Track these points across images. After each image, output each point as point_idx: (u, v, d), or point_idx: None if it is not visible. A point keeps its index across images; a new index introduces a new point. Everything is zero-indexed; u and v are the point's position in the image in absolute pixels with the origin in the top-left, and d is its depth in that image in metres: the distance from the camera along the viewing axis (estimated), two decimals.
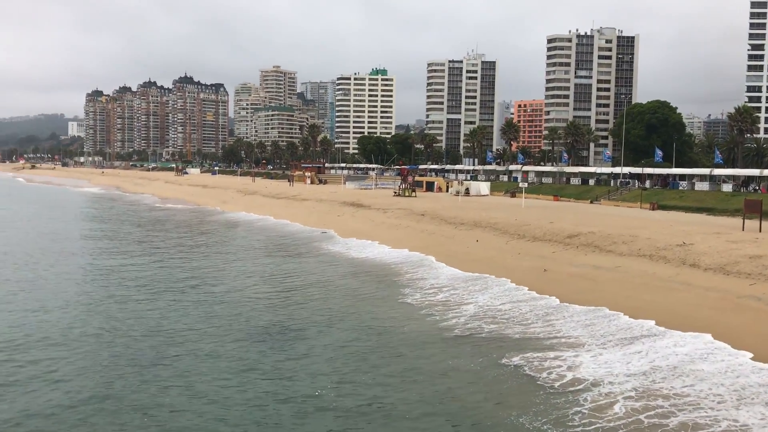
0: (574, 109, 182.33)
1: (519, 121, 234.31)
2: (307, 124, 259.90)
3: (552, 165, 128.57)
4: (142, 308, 28.83)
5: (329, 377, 19.84)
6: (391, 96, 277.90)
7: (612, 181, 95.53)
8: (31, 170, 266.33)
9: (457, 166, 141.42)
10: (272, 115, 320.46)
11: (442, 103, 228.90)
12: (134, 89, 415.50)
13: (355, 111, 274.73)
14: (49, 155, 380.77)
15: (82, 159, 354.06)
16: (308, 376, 19.92)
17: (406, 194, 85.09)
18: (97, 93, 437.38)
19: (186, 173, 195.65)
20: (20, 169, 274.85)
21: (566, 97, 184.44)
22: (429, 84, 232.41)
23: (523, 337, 23.65)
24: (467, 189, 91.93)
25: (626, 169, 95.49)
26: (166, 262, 42.09)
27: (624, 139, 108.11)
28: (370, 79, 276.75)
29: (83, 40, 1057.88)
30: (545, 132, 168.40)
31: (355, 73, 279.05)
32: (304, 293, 32.37)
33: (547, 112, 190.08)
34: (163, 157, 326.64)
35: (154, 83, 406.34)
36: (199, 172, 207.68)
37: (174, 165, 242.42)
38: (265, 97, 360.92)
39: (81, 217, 75.75)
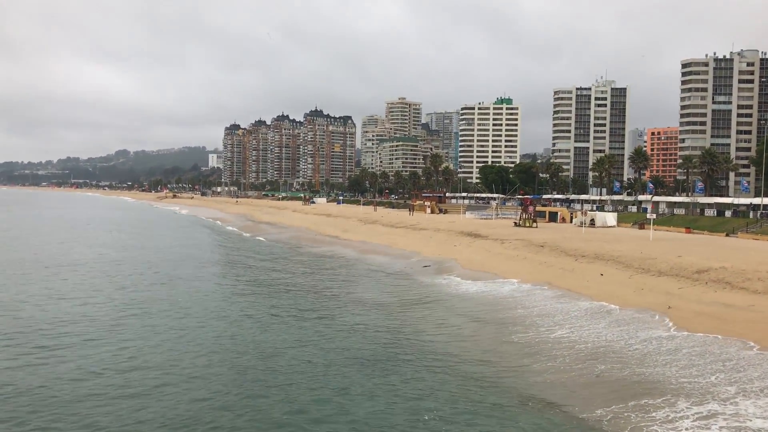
0: (712, 136, 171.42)
1: (652, 150, 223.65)
2: (430, 153, 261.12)
3: (686, 195, 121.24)
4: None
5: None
6: (515, 125, 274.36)
7: (751, 213, 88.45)
8: (172, 199, 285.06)
9: (583, 196, 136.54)
10: (396, 146, 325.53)
11: (569, 131, 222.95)
12: (268, 122, 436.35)
13: (478, 140, 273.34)
14: (190, 185, 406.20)
15: (219, 189, 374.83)
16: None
17: (527, 225, 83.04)
18: (235, 126, 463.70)
19: (313, 202, 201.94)
20: (162, 198, 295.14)
21: (703, 123, 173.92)
22: (555, 112, 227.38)
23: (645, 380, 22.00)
24: (592, 220, 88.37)
25: None
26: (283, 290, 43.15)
27: (766, 167, 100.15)
28: (494, 109, 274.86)
29: (224, 77, 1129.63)
30: (679, 161, 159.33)
31: (480, 103, 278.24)
32: (411, 322, 32.00)
33: (682, 140, 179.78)
34: (293, 186, 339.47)
35: (287, 116, 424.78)
36: (325, 202, 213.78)
37: (302, 194, 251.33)
38: (391, 128, 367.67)
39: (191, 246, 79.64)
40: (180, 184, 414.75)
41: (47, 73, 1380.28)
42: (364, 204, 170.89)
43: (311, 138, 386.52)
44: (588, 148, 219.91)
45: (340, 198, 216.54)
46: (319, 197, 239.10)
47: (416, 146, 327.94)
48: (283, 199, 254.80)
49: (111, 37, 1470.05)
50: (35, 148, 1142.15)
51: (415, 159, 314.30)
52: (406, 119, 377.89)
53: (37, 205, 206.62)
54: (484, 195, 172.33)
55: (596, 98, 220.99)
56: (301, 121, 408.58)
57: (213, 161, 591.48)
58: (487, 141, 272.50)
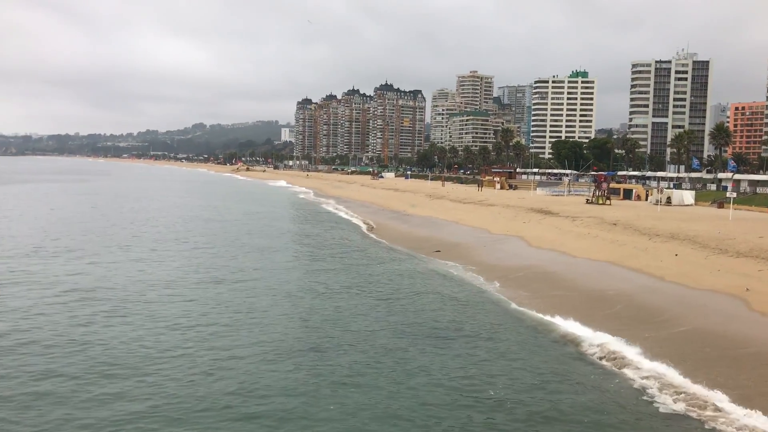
0: None
1: (735, 126, 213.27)
2: (501, 128, 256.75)
3: None
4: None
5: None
6: (591, 99, 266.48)
7: None
8: (246, 172, 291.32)
9: (659, 173, 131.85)
10: (467, 120, 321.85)
11: (647, 105, 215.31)
12: (339, 97, 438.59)
13: (552, 115, 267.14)
14: (263, 158, 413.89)
15: (290, 162, 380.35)
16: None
17: (599, 202, 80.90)
18: (307, 101, 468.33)
19: (381, 177, 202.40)
20: (236, 171, 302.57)
21: None
22: (633, 86, 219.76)
23: None
24: (669, 197, 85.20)
25: None
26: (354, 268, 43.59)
27: None
28: (569, 82, 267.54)
29: (298, 51, 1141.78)
30: (765, 137, 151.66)
31: (554, 76, 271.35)
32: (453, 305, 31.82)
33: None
34: (362, 161, 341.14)
35: (357, 91, 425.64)
36: (393, 176, 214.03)
37: (371, 169, 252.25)
38: (461, 102, 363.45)
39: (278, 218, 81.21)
40: (253, 158, 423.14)
41: (129, 48, 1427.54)
42: (432, 179, 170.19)
43: (381, 112, 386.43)
44: (666, 123, 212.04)
45: (408, 173, 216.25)
46: (388, 172, 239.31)
47: (487, 120, 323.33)
48: (352, 173, 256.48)
49: (189, 12, 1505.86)
50: (117, 121, 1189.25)
51: (485, 133, 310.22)
52: (477, 93, 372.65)
53: (134, 176, 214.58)
54: (556, 171, 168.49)
55: (677, 72, 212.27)
56: (371, 95, 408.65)
57: (285, 135, 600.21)
58: (561, 115, 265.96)
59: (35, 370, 20.13)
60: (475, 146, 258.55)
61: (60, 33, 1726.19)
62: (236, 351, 22.73)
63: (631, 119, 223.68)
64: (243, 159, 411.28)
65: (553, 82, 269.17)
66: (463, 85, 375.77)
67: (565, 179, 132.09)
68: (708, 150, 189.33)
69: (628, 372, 21.87)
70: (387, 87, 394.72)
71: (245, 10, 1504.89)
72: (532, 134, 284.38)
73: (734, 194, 74.75)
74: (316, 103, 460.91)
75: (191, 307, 29.41)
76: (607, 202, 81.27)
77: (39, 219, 68.70)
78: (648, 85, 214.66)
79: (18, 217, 69.41)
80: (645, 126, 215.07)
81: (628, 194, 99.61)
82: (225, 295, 31.99)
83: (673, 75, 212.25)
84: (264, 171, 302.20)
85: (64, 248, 46.21)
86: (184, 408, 17.64)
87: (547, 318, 28.69)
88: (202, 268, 39.53)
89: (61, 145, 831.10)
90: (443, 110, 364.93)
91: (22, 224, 61.68)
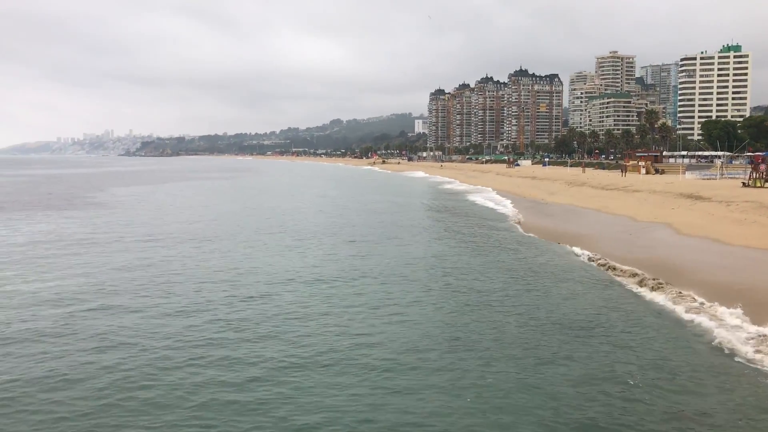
0: None
1: None
2: (645, 110, 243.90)
3: None
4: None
5: None
6: (745, 74, 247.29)
7: None
8: (382, 164, 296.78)
9: None
10: (607, 103, 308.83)
11: None
12: (472, 86, 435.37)
13: (701, 93, 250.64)
14: (397, 151, 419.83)
15: (424, 154, 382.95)
16: None
17: (758, 185, 74.79)
18: (440, 92, 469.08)
19: (517, 165, 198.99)
20: (373, 164, 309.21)
21: None
22: None
23: None
24: None
25: None
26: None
27: None
28: (719, 57, 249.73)
29: (430, 43, 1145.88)
30: None
31: (702, 52, 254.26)
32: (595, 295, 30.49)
33: None
34: (497, 149, 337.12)
35: (491, 78, 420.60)
36: (530, 164, 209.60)
37: (506, 157, 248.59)
38: (601, 85, 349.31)
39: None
40: (388, 150, 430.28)
41: (269, 49, 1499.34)
42: (571, 165, 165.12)
43: (515, 99, 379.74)
44: None
45: (546, 160, 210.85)
46: (524, 159, 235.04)
47: (629, 102, 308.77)
48: (486, 162, 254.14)
49: (324, 10, 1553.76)
50: (261, 120, 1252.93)
51: (627, 116, 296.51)
52: (617, 74, 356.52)
53: (283, 172, 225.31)
54: (706, 153, 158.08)
55: None
56: (505, 82, 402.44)
57: (419, 127, 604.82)
58: (711, 93, 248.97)
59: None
60: (617, 130, 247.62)
61: (206, 38, 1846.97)
62: (375, 341, 23.17)
63: None
64: (378, 152, 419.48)
65: (702, 58, 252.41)
66: (603, 67, 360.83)
67: (717, 162, 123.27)
68: None
69: None
70: (521, 72, 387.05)
71: (380, 4, 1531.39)
72: (679, 115, 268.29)
73: None
74: (449, 93, 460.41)
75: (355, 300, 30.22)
76: (766, 185, 75.05)
77: (210, 210, 73.88)
78: None
79: (180, 211, 74.07)
80: None
81: None
82: (368, 286, 32.61)
83: None
84: (398, 163, 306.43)
85: (232, 237, 49.02)
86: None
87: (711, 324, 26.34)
88: (354, 260, 40.44)
89: (211, 145, 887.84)
90: (582, 93, 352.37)
91: (189, 217, 65.78)
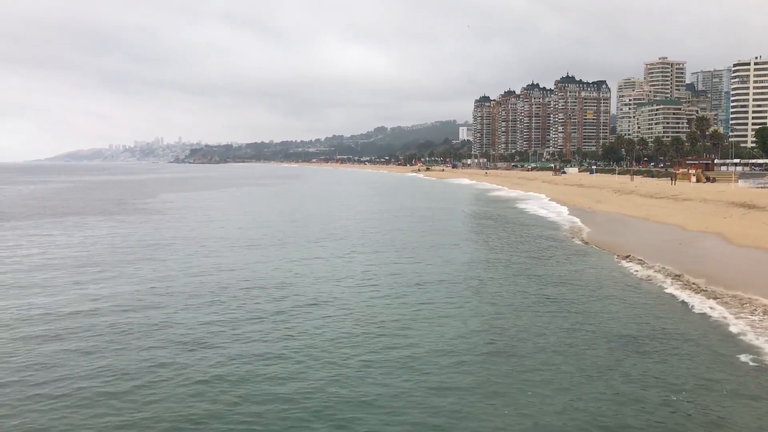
0: None
1: None
2: (696, 117, 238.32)
3: None
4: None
5: None
6: None
7: None
8: (427, 172, 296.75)
9: None
10: (656, 110, 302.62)
11: None
12: (517, 92, 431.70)
13: (755, 99, 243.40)
14: (441, 158, 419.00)
15: (468, 161, 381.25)
16: None
17: None
18: (485, 99, 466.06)
19: (564, 173, 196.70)
20: (418, 171, 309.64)
21: None
22: None
23: None
24: None
25: None
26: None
27: None
28: None
29: (475, 49, 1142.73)
30: None
31: (757, 57, 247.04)
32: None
33: None
34: (543, 157, 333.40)
35: (537, 85, 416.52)
36: (577, 171, 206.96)
37: (552, 165, 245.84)
38: (650, 91, 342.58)
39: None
40: (432, 158, 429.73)
41: (315, 58, 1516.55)
42: (619, 173, 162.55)
43: (562, 106, 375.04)
44: None
45: (593, 167, 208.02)
46: (571, 167, 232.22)
47: (679, 109, 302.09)
48: (532, 169, 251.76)
49: (370, 18, 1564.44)
50: (306, 128, 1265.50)
51: (677, 123, 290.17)
52: (667, 80, 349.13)
53: (327, 180, 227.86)
54: (761, 161, 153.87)
55: None
56: (552, 88, 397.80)
57: (463, 134, 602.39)
58: (766, 100, 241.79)
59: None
60: (667, 137, 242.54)
61: (253, 47, 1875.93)
62: (419, 347, 23.31)
63: None
64: (422, 159, 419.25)
65: (756, 63, 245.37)
66: (652, 73, 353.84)
67: None
68: None
69: None
70: (568, 79, 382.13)
71: (424, 11, 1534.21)
72: (731, 122, 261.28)
73: None
74: (494, 100, 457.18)
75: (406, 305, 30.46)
76: None
77: (257, 215, 75.76)
78: None
79: (227, 218, 75.55)
80: None
81: None
82: (414, 295, 32.73)
83: None
84: (443, 170, 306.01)
85: (278, 241, 49.78)
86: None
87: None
88: (405, 267, 40.61)
89: (258, 152, 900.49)
90: (630, 100, 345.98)
91: (235, 223, 67.15)
